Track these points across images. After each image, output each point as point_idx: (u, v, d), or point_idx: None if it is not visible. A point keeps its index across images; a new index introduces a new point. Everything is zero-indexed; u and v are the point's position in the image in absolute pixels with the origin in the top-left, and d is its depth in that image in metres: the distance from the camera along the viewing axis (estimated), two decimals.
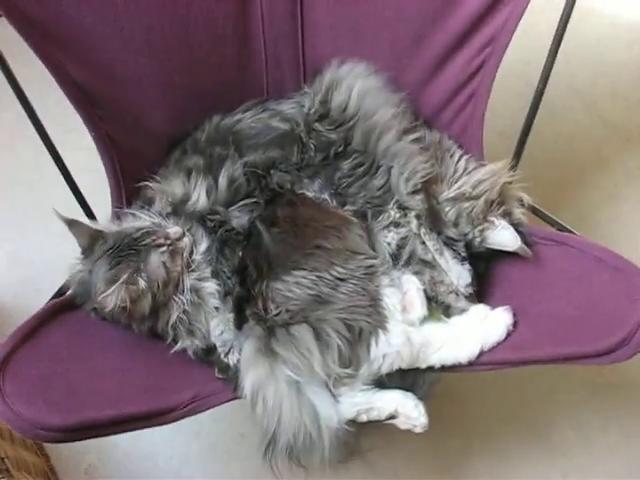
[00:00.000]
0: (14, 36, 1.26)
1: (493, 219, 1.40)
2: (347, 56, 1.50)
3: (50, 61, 1.31)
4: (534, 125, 1.54)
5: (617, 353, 1.15)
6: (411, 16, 1.46)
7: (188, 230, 1.35)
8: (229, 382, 1.31)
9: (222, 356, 1.33)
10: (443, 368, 1.29)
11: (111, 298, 1.20)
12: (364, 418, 1.30)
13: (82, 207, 1.54)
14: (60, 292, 1.39)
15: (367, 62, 1.50)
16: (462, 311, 1.35)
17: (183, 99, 1.51)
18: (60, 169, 1.47)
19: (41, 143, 1.44)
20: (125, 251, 1.26)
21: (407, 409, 1.29)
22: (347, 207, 1.39)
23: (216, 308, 1.32)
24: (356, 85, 1.45)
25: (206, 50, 1.48)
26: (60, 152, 1.47)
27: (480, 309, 1.34)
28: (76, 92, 1.35)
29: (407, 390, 1.32)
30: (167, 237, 1.30)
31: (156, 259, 1.26)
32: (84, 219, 1.48)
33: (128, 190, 1.47)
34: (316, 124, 1.43)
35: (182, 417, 1.26)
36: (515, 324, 1.29)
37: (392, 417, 1.31)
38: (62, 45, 1.33)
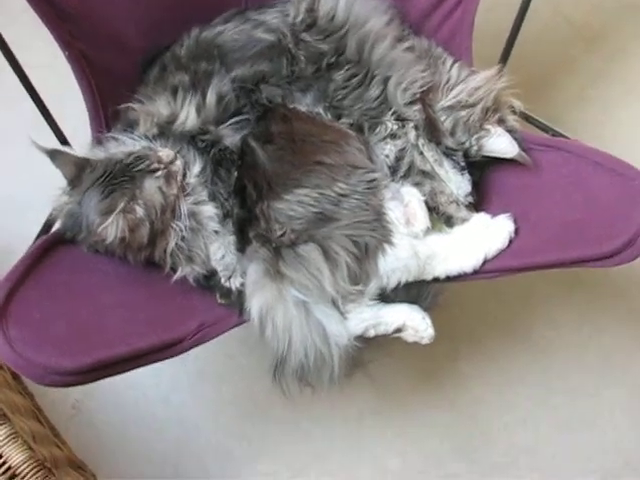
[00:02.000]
0: None
1: (489, 127, 1.40)
2: None
3: None
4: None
5: (622, 255, 1.18)
6: None
7: (178, 152, 1.29)
8: (232, 307, 1.31)
9: (223, 280, 1.31)
10: (448, 279, 1.32)
11: (110, 229, 1.16)
12: (372, 333, 1.33)
13: (54, 133, 1.43)
14: (46, 225, 1.33)
15: None
16: (464, 221, 1.36)
17: (157, 10, 1.44)
18: (27, 89, 1.36)
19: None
20: (118, 178, 1.20)
21: (415, 322, 1.32)
22: (342, 120, 1.37)
23: (215, 232, 1.29)
24: None
25: None
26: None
27: (482, 218, 1.36)
28: (47, 7, 1.24)
29: (412, 303, 1.35)
30: (160, 161, 1.25)
31: (152, 184, 1.22)
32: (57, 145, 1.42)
33: (107, 113, 1.37)
34: (304, 34, 1.39)
35: (192, 347, 1.24)
36: (517, 231, 1.32)
37: (399, 330, 1.34)
38: None
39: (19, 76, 1.35)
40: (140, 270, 1.29)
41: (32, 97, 1.39)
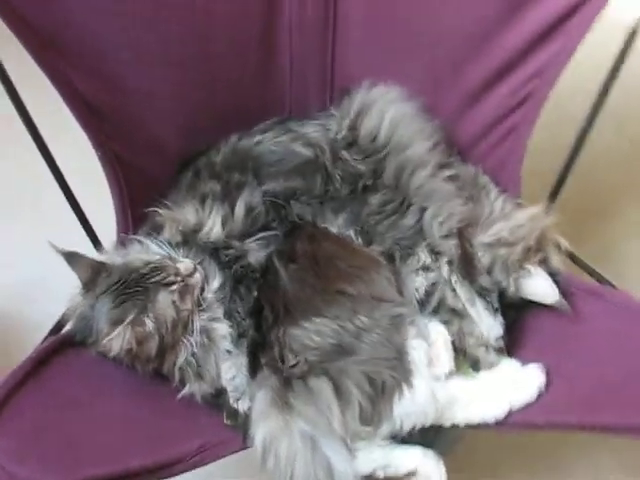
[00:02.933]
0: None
1: (530, 267, 1.32)
2: (379, 77, 1.42)
3: (52, 71, 1.20)
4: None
5: None
6: (453, 39, 1.38)
7: (199, 264, 1.27)
8: (238, 429, 1.25)
9: (232, 401, 1.27)
10: (468, 426, 1.26)
11: (116, 341, 1.13)
12: (381, 475, 1.25)
13: (86, 231, 1.43)
14: (58, 325, 1.30)
15: (401, 85, 1.41)
16: (491, 366, 1.28)
17: (198, 115, 1.42)
18: (62, 189, 1.36)
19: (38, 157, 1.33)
20: (132, 288, 1.18)
21: (427, 469, 1.23)
22: (373, 247, 1.32)
23: (228, 351, 1.24)
24: (388, 111, 1.38)
25: (227, 64, 1.39)
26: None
27: (511, 365, 1.27)
28: (82, 106, 1.26)
29: (427, 446, 1.29)
30: (177, 273, 1.22)
31: (166, 298, 1.19)
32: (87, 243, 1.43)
33: (135, 214, 1.37)
34: (343, 152, 1.36)
35: (189, 469, 1.18)
36: (547, 383, 1.22)
37: (410, 474, 1.28)
38: (66, 53, 1.22)
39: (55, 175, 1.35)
40: (148, 381, 1.24)
41: (68, 200, 1.38)
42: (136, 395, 1.27)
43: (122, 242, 1.33)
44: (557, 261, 1.36)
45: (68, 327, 1.28)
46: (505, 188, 1.45)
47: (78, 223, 1.46)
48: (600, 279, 1.40)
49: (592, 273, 1.42)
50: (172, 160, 1.43)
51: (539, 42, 1.31)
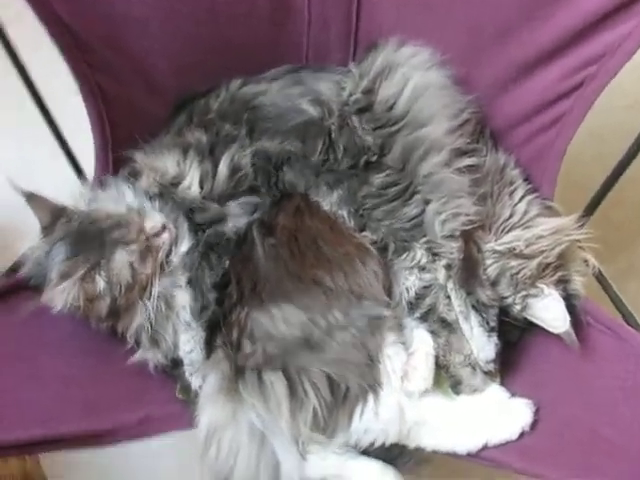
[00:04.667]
0: None
1: (543, 286, 1.12)
2: (411, 35, 1.20)
3: None
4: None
5: None
6: (503, 1, 1.15)
7: (172, 222, 1.13)
8: (188, 406, 1.14)
9: (187, 374, 1.16)
10: (435, 452, 1.11)
11: (61, 295, 1.03)
12: None
13: (69, 160, 1.33)
14: (14, 266, 1.19)
15: (434, 48, 1.19)
16: (474, 390, 1.11)
17: (196, 51, 1.25)
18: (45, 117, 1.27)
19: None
20: (89, 240, 1.06)
21: None
22: (365, 233, 1.15)
23: (187, 323, 1.12)
24: (413, 78, 1.17)
25: None
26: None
27: (496, 394, 1.11)
28: (59, 30, 1.10)
29: (389, 463, 1.14)
30: (142, 231, 1.09)
31: (123, 258, 1.07)
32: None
33: (120, 155, 1.20)
34: (353, 118, 1.17)
35: (124, 441, 1.10)
36: (535, 423, 1.06)
37: None
38: None
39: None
40: (101, 340, 1.14)
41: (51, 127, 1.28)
42: (85, 354, 1.17)
43: (100, 183, 1.19)
44: (579, 283, 1.15)
45: (23, 272, 1.17)
46: (538, 186, 1.23)
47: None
48: (626, 314, 1.20)
49: (618, 305, 1.21)
50: (166, 100, 1.27)
51: (606, 20, 1.07)
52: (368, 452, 1.14)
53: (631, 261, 1.63)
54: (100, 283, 1.05)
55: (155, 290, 1.11)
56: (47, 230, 1.12)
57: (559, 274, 1.15)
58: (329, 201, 1.15)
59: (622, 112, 1.65)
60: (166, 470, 1.76)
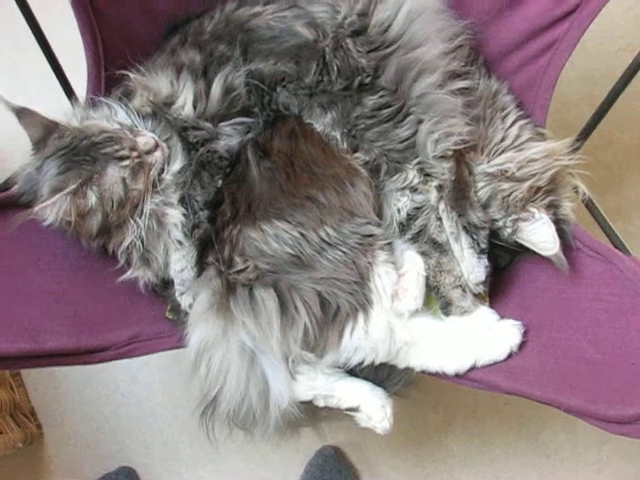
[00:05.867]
0: None
1: (534, 210, 1.11)
2: None
3: None
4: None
5: (631, 427, 0.92)
6: None
7: (165, 141, 1.12)
8: (178, 325, 1.16)
9: (177, 294, 1.16)
10: (423, 372, 1.12)
11: (52, 209, 1.02)
12: (321, 403, 1.14)
13: (59, 80, 1.28)
14: (5, 184, 1.17)
15: None
16: (464, 312, 1.12)
17: None
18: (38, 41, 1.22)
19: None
20: (80, 155, 1.04)
21: (371, 408, 1.12)
22: (358, 154, 1.13)
23: (179, 242, 1.11)
24: (408, 1, 1.14)
25: None
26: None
27: (485, 316, 1.12)
28: None
29: (377, 384, 1.15)
30: (134, 148, 1.07)
31: (115, 173, 1.05)
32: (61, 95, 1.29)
33: (113, 75, 1.16)
34: (347, 40, 1.13)
35: (113, 359, 1.11)
36: (522, 345, 1.08)
37: (353, 410, 1.15)
38: None
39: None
40: (92, 258, 1.14)
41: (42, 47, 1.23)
42: (75, 271, 1.17)
43: (92, 103, 1.16)
44: (569, 208, 1.15)
45: (15, 189, 1.15)
46: (530, 113, 1.22)
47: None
48: (614, 239, 1.19)
49: (607, 230, 1.20)
50: (160, 20, 1.24)
51: None
52: (356, 373, 1.16)
53: (619, 201, 1.63)
54: (92, 198, 1.04)
55: (147, 207, 1.10)
56: (38, 146, 1.10)
57: (550, 198, 1.14)
58: (322, 122, 1.13)
59: (614, 55, 1.64)
60: (149, 390, 1.79)
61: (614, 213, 1.67)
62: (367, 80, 1.13)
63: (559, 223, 1.14)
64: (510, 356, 1.07)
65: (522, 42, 1.21)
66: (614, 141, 1.66)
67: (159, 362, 1.74)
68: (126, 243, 1.10)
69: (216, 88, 1.14)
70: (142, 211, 1.09)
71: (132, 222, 1.09)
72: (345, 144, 1.13)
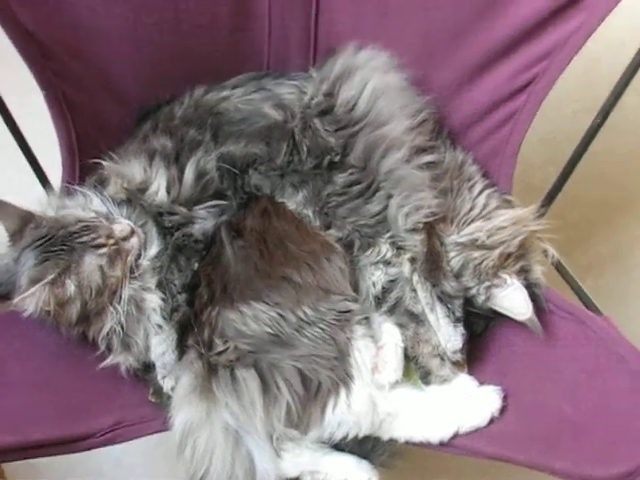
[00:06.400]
0: None
1: (505, 276, 1.14)
2: (368, 41, 1.23)
3: None
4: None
5: None
6: (454, 5, 1.18)
7: (141, 226, 1.13)
8: (161, 409, 1.14)
9: (159, 377, 1.15)
10: (408, 443, 1.12)
11: (31, 300, 1.02)
12: (308, 479, 1.16)
13: (34, 170, 1.31)
14: None
15: (391, 52, 1.22)
16: (443, 381, 1.13)
17: (161, 61, 1.26)
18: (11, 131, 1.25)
19: None
20: (57, 245, 1.05)
21: None
22: (331, 231, 1.16)
23: (159, 325, 1.12)
24: (372, 80, 1.20)
25: (194, 6, 1.21)
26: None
27: (465, 383, 1.13)
28: (26, 40, 1.10)
29: (363, 457, 1.13)
30: (110, 235, 1.08)
31: (92, 261, 1.06)
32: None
33: (87, 163, 1.19)
34: (315, 120, 1.17)
35: (99, 446, 1.10)
36: (502, 410, 1.08)
37: None
38: None
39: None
40: (72, 346, 1.13)
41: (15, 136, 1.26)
42: (56, 360, 1.17)
43: (67, 192, 1.18)
44: (540, 272, 1.18)
45: None
46: (495, 182, 1.26)
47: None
48: (585, 300, 1.23)
49: (577, 291, 1.24)
50: (131, 109, 1.27)
51: (554, 17, 1.12)
52: (342, 447, 1.15)
53: (589, 258, 1.67)
54: (70, 287, 1.04)
55: (125, 293, 1.10)
56: (15, 237, 1.10)
57: (520, 264, 1.17)
58: (294, 201, 1.16)
59: (571, 117, 1.70)
60: (134, 474, 1.74)
61: (585, 271, 1.69)
62: (336, 158, 1.16)
63: (531, 287, 1.17)
64: (492, 421, 1.07)
65: (484, 114, 1.26)
66: (579, 200, 1.70)
67: (142, 445, 1.68)
68: (106, 329, 1.10)
69: (189, 173, 1.16)
70: (120, 297, 1.09)
71: (111, 308, 1.09)
72: (318, 221, 1.16)
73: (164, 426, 1.12)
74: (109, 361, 1.12)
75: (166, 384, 1.14)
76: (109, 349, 1.14)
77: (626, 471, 0.95)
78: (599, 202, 1.82)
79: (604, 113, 1.22)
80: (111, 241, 1.09)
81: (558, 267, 1.23)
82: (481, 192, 1.21)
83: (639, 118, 1.95)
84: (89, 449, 1.09)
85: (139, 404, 1.15)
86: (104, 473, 1.72)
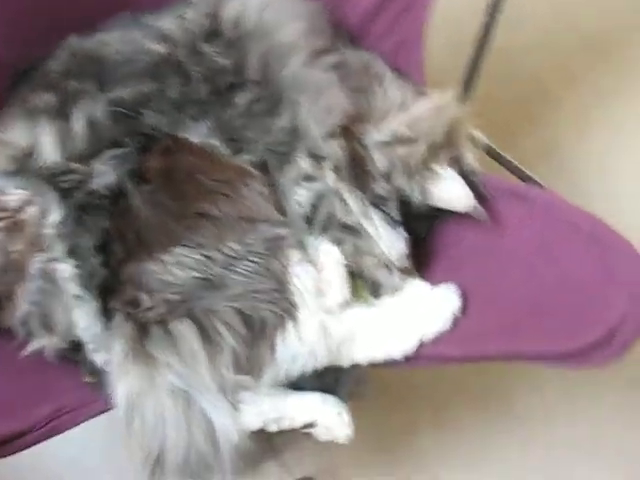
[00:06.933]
0: None
1: (437, 168, 1.05)
2: None
3: None
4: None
5: (591, 357, 0.88)
6: None
7: (38, 194, 1.02)
8: (100, 388, 1.03)
9: (91, 353, 1.05)
10: (372, 364, 1.05)
11: None
12: (274, 428, 1.04)
13: None
14: None
15: None
16: (395, 290, 1.05)
17: (25, 14, 1.12)
18: None
19: None
20: None
21: (327, 419, 1.03)
22: (243, 155, 1.05)
23: (78, 296, 0.99)
24: None
25: None
26: None
27: (419, 288, 1.05)
28: None
29: (327, 391, 1.07)
30: (4, 208, 0.98)
31: None
32: None
33: None
34: (202, 44, 1.08)
35: (39, 441, 0.98)
36: (463, 308, 1.01)
37: (309, 426, 1.06)
38: None
39: None
40: None
41: None
42: None
43: None
44: (472, 159, 1.09)
45: None
46: (406, 75, 1.17)
47: None
48: (524, 177, 1.17)
49: (515, 171, 1.18)
50: (4, 74, 1.12)
51: None
52: (303, 387, 1.08)
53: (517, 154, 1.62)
54: None
55: (33, 268, 1.00)
56: None
57: (450, 153, 1.08)
58: (198, 133, 1.05)
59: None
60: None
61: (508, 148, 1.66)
62: (233, 79, 1.06)
63: (466, 176, 1.08)
64: (455, 323, 1.00)
65: (380, 6, 1.16)
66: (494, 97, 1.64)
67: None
68: (20, 313, 0.99)
69: (78, 125, 1.04)
70: (29, 273, 1.01)
71: (21, 288, 0.99)
72: (228, 149, 1.05)
73: (107, 405, 0.99)
74: (32, 347, 1.00)
75: (99, 359, 1.02)
76: (29, 334, 1.02)
77: (598, 338, 0.88)
78: (515, 98, 1.78)
79: None
80: (4, 214, 0.98)
81: (491, 153, 1.17)
82: (393, 86, 1.12)
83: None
84: (25, 448, 0.96)
85: (76, 387, 1.04)
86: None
